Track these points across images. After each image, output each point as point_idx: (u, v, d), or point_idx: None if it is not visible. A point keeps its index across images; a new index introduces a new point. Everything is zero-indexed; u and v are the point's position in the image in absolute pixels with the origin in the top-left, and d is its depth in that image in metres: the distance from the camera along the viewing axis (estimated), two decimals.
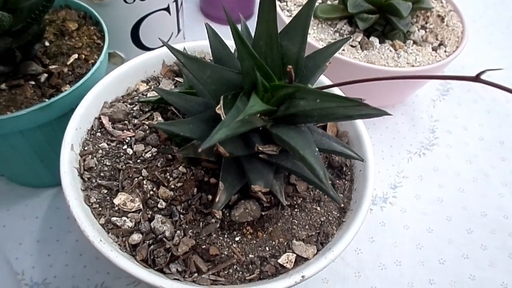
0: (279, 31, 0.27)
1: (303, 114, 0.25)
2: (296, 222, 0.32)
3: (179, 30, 0.56)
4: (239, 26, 0.28)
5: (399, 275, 0.44)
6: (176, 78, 0.40)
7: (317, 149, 0.25)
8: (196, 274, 0.28)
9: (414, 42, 0.51)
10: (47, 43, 0.39)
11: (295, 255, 0.30)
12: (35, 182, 0.45)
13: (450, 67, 0.56)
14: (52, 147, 0.38)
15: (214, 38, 0.29)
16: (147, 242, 0.29)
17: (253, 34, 0.27)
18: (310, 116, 0.25)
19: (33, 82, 0.36)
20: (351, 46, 0.48)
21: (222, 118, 0.24)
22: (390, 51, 0.49)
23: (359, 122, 0.36)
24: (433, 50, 0.51)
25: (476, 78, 0.20)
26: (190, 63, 0.26)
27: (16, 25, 0.33)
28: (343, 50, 0.48)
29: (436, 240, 0.47)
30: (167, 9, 0.51)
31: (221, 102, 0.25)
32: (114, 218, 0.30)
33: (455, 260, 0.46)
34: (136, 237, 0.29)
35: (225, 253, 0.29)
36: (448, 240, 0.47)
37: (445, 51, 0.51)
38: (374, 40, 0.49)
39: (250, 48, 0.24)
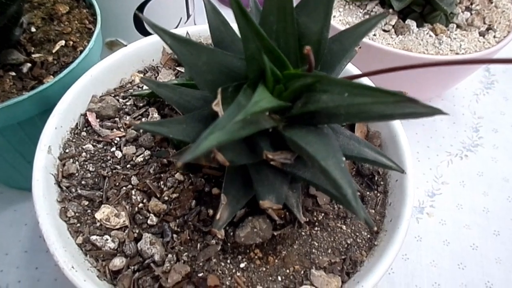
0: (295, 4, 0.21)
1: (326, 112, 0.19)
2: (316, 244, 0.26)
3: (188, 16, 0.50)
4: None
5: None
6: (177, 68, 0.34)
7: (343, 158, 0.19)
8: None
9: (458, 26, 0.44)
10: (33, 29, 0.35)
11: None
12: (25, 185, 0.41)
13: (497, 56, 0.49)
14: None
15: (214, 16, 0.23)
16: (132, 268, 0.24)
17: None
18: (335, 115, 0.19)
19: (13, 73, 0.32)
20: (384, 30, 0.42)
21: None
22: (430, 36, 0.42)
23: (395, 121, 0.30)
24: (480, 35, 0.44)
25: None
26: (180, 47, 0.20)
27: None
28: (375, 35, 0.41)
29: (482, 258, 0.40)
30: None
31: (219, 96, 0.19)
32: (94, 237, 0.25)
33: (505, 283, 0.39)
34: (118, 262, 0.24)
35: (227, 283, 0.24)
36: (496, 259, 0.41)
37: (494, 37, 0.44)
38: (411, 23, 0.42)
39: (255, 25, 0.18)
